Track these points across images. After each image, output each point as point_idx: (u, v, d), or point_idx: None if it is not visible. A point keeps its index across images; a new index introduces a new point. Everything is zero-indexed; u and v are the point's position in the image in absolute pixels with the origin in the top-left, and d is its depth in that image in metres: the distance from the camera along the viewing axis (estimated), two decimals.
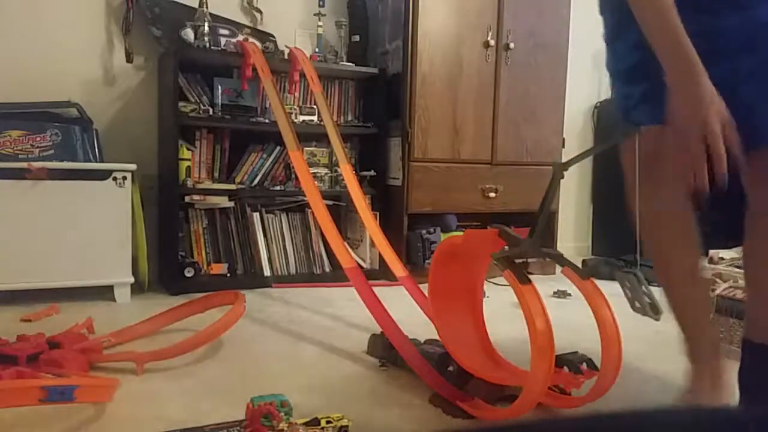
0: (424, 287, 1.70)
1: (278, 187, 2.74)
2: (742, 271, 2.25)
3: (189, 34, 2.56)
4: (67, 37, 2.56)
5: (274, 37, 2.86)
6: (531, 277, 1.23)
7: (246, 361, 1.65)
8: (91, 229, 2.22)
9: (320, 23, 2.90)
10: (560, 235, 3.32)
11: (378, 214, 2.81)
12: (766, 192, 1.13)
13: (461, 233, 1.50)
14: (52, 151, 2.27)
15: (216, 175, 2.71)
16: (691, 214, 1.22)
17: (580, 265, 1.26)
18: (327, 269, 2.81)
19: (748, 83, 1.10)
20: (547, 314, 1.14)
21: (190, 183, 2.55)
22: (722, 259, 2.49)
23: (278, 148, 2.76)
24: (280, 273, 2.72)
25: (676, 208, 1.22)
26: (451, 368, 1.42)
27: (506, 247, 1.34)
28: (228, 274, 2.62)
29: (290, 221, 2.81)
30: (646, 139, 1.21)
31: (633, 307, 1.16)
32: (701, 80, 1.04)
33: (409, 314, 2.06)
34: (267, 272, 2.69)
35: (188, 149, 2.59)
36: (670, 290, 1.31)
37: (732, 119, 1.03)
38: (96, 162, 2.38)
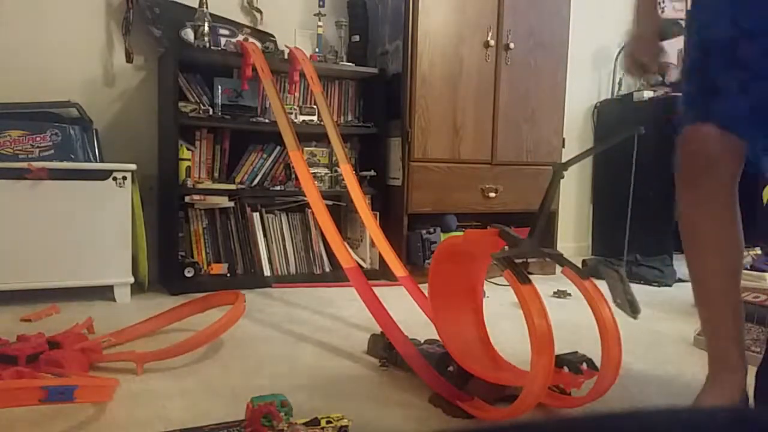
0: (424, 287, 1.70)
1: (278, 187, 2.74)
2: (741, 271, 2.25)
3: (189, 34, 2.56)
4: (67, 37, 2.56)
5: (274, 37, 2.86)
6: (531, 277, 1.23)
7: (246, 361, 1.65)
8: (91, 229, 2.22)
9: (320, 23, 2.90)
10: (560, 235, 3.32)
11: (378, 214, 2.81)
12: None
13: (461, 233, 1.50)
14: (52, 151, 2.27)
15: (216, 175, 2.71)
16: (731, 219, 1.20)
17: (580, 265, 1.26)
18: (327, 269, 2.81)
19: None
20: (547, 314, 1.14)
21: (190, 183, 2.55)
22: None
23: (278, 148, 2.76)
24: (280, 273, 2.72)
25: (716, 212, 1.20)
26: (451, 368, 1.42)
27: (506, 247, 1.34)
28: (228, 274, 2.62)
29: (290, 221, 2.81)
30: (689, 139, 1.22)
31: (614, 302, 1.17)
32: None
33: (409, 314, 2.06)
34: (267, 272, 2.69)
35: (188, 149, 2.59)
36: (699, 288, 1.26)
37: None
38: (96, 162, 2.37)
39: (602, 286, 1.24)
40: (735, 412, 0.37)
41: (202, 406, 1.33)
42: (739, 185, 1.22)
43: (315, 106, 2.80)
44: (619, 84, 3.83)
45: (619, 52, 3.80)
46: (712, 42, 1.19)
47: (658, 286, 2.86)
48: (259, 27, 2.88)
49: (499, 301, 2.41)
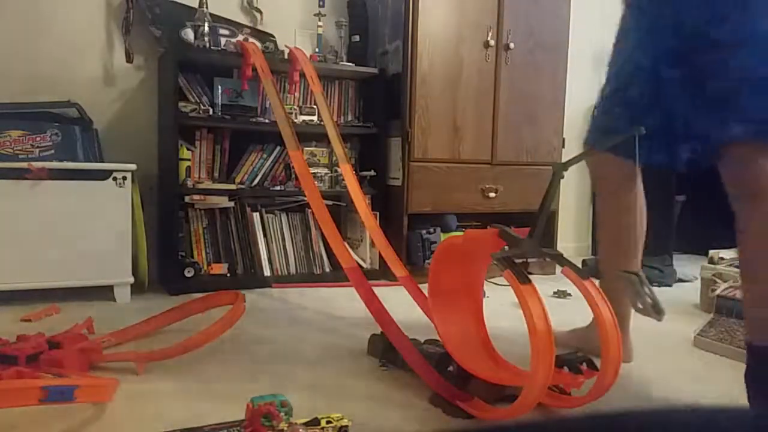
0: (424, 287, 1.70)
1: (278, 187, 2.74)
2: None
3: (189, 34, 2.56)
4: (67, 37, 2.56)
5: (274, 37, 2.86)
6: (531, 277, 1.23)
7: (246, 361, 1.65)
8: (91, 229, 2.22)
9: (320, 23, 2.90)
10: (560, 235, 3.32)
11: (378, 214, 2.81)
12: (734, 203, 1.26)
13: (461, 233, 1.50)
14: (52, 151, 2.27)
15: (216, 175, 2.71)
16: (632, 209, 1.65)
17: (580, 265, 1.27)
18: (327, 269, 2.81)
19: (680, 93, 1.31)
20: (547, 314, 1.14)
21: (190, 183, 2.55)
22: (722, 259, 2.49)
23: (278, 148, 2.76)
24: (280, 273, 2.72)
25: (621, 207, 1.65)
26: (451, 368, 1.42)
27: (506, 247, 1.34)
28: (228, 274, 2.62)
29: (290, 221, 2.81)
30: (596, 164, 1.69)
31: (635, 306, 1.17)
32: None
33: (409, 314, 2.06)
34: (267, 272, 2.69)
35: (188, 149, 2.59)
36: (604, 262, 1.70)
37: None
38: (96, 162, 2.38)
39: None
40: (735, 413, 0.37)
41: (202, 406, 1.33)
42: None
43: (315, 106, 2.80)
44: None
45: None
46: (613, 85, 1.58)
47: (658, 286, 2.86)
48: (259, 27, 2.88)
49: (499, 301, 2.41)
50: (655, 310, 1.13)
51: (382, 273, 2.79)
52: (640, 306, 1.16)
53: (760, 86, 1.17)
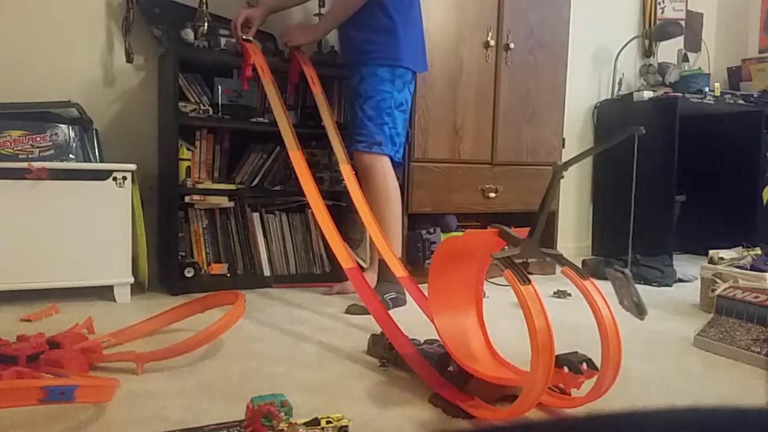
0: (424, 287, 1.70)
1: (278, 187, 2.74)
2: (742, 271, 2.26)
3: (189, 34, 2.56)
4: (67, 37, 2.56)
5: (274, 37, 2.85)
6: (531, 277, 1.23)
7: (246, 361, 1.65)
8: (91, 229, 2.22)
9: None
10: (560, 235, 3.32)
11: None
12: None
13: (461, 233, 1.50)
14: (52, 151, 2.27)
15: (216, 175, 2.71)
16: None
17: (580, 265, 1.27)
18: (327, 269, 2.81)
19: None
20: (547, 314, 1.14)
21: (190, 183, 2.55)
22: (722, 259, 2.49)
23: (278, 148, 2.76)
24: (280, 273, 2.72)
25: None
26: (451, 368, 1.42)
27: (506, 247, 1.34)
28: (228, 274, 2.62)
29: (290, 221, 2.81)
30: (377, 162, 2.41)
31: (621, 304, 1.18)
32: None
33: (409, 314, 2.06)
34: (267, 272, 2.69)
35: (188, 149, 2.59)
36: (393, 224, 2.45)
37: None
38: (96, 162, 2.38)
39: (602, 286, 1.24)
40: (735, 413, 0.37)
41: (202, 406, 1.33)
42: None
43: (315, 106, 2.79)
44: (619, 84, 3.83)
45: (619, 52, 3.81)
46: (382, 105, 2.38)
47: (658, 286, 2.86)
48: (260, 27, 2.87)
49: (499, 301, 2.41)
50: (638, 309, 1.14)
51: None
52: (626, 303, 1.17)
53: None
